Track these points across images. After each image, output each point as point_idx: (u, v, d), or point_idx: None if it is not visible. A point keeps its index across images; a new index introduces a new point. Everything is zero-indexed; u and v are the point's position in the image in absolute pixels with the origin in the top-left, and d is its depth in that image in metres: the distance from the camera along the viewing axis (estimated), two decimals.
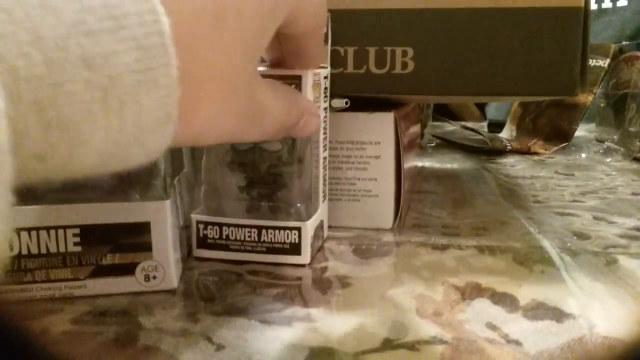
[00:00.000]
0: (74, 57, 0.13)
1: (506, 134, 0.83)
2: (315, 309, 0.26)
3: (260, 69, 0.29)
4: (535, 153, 0.73)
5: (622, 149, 0.70)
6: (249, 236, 0.32)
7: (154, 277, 0.27)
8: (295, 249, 0.31)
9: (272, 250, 0.32)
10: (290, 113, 0.26)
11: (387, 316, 0.25)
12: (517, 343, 0.22)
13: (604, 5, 1.15)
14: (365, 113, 0.37)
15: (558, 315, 0.25)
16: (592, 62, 0.76)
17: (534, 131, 0.78)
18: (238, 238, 0.32)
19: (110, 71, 0.14)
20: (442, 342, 0.22)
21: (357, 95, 0.36)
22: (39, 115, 0.13)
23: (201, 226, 0.32)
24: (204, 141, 0.22)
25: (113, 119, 0.15)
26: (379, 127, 0.37)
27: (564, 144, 0.75)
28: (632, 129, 0.70)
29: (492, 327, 0.24)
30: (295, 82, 0.30)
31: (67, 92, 0.14)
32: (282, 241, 0.31)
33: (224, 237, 0.32)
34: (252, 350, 0.22)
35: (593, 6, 1.17)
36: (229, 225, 0.32)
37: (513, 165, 0.65)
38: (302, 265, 0.31)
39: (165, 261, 0.27)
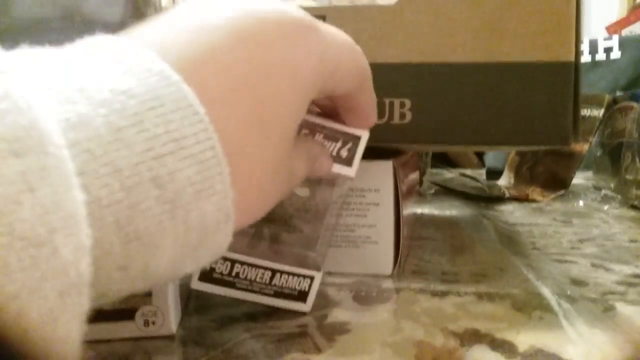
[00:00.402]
0: (146, 179, 0.16)
1: (504, 181, 0.84)
2: (315, 356, 0.26)
3: (315, 120, 0.29)
4: (534, 200, 0.74)
5: (619, 196, 0.71)
6: (261, 278, 0.31)
7: (153, 323, 0.28)
8: (302, 296, 0.31)
9: (279, 294, 0.31)
10: (310, 163, 0.27)
11: None
12: None
13: (597, 57, 1.18)
14: (364, 161, 0.38)
15: None
16: (587, 112, 0.78)
17: (531, 179, 0.79)
18: (248, 277, 0.31)
19: (176, 186, 0.16)
20: None
21: None
22: (119, 233, 0.15)
23: None
24: (259, 217, 0.23)
25: (180, 226, 0.17)
26: (379, 174, 0.38)
27: (561, 192, 0.76)
28: (628, 177, 0.71)
29: None
30: (353, 140, 0.30)
31: (142, 210, 0.16)
32: (293, 287, 0.31)
33: (233, 274, 0.31)
34: None
35: (587, 58, 1.20)
36: (242, 263, 0.31)
37: (512, 212, 0.66)
38: (303, 313, 0.31)
39: (165, 306, 0.28)
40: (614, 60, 1.15)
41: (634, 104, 0.74)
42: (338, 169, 0.30)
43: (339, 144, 0.30)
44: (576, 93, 0.34)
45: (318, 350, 0.26)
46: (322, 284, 0.35)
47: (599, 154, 0.83)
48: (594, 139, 0.80)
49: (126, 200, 0.15)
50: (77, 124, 0.15)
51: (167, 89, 0.17)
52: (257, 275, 0.31)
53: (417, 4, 0.36)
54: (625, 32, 1.26)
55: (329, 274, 0.37)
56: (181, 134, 0.17)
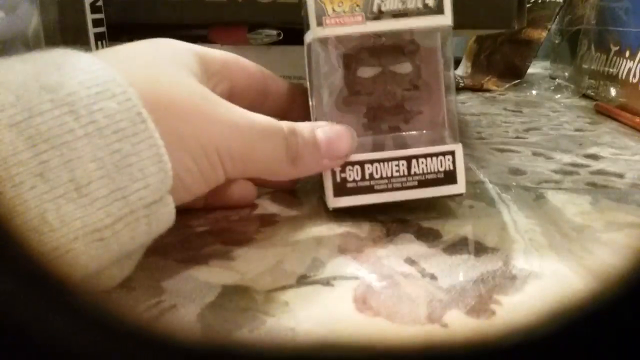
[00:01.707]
0: (35, 87, 0.17)
1: (461, 70, 0.83)
2: (236, 247, 0.25)
3: None
4: (488, 90, 0.73)
5: (572, 85, 0.70)
6: (397, 170, 0.28)
7: None
8: (450, 177, 0.28)
9: (424, 183, 0.28)
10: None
11: (308, 254, 0.25)
12: (432, 277, 0.22)
13: None
14: (301, 46, 0.36)
15: (478, 249, 0.25)
16: None
17: (488, 68, 0.78)
18: (384, 175, 0.28)
19: (68, 90, 0.18)
20: (358, 277, 0.22)
21: (291, 27, 0.35)
22: (20, 136, 0.16)
23: (337, 170, 0.28)
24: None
25: (89, 125, 0.18)
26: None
27: (516, 81, 0.75)
28: (584, 65, 0.70)
29: (410, 262, 0.24)
30: None
31: (38, 112, 0.17)
32: (436, 170, 0.28)
33: (367, 176, 0.28)
34: (162, 290, 0.21)
35: None
36: (372, 161, 0.27)
37: (464, 102, 0.65)
38: (459, 195, 0.29)
39: None
40: None
41: None
42: (430, 20, 0.27)
43: None
44: None
45: (240, 242, 0.26)
46: None
47: (557, 42, 0.81)
48: (553, 26, 0.78)
49: (19, 105, 0.16)
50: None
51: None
52: (392, 169, 0.28)
53: None
54: None
55: None
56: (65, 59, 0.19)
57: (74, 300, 0.12)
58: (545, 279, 0.22)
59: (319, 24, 0.27)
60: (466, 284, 0.22)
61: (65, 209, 0.16)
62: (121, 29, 0.35)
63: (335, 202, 0.28)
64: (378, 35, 0.28)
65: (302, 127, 0.26)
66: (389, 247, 0.25)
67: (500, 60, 0.77)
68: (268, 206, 0.31)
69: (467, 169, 0.37)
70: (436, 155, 0.28)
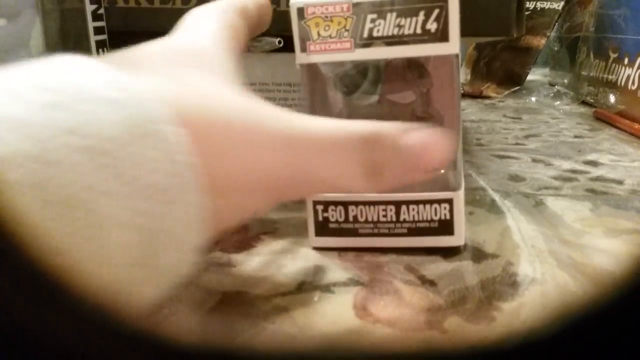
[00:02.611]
0: (59, 130, 0.13)
1: (461, 77, 0.83)
2: (236, 254, 0.25)
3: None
4: (487, 97, 0.73)
5: (571, 92, 0.70)
6: (384, 215, 0.25)
7: None
8: (446, 227, 0.25)
9: (415, 231, 0.25)
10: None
11: (309, 260, 0.25)
12: (432, 283, 0.22)
13: None
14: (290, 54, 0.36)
15: (477, 256, 0.25)
16: (546, 5, 0.76)
17: (487, 75, 0.78)
18: (370, 219, 0.25)
19: (96, 131, 0.13)
20: (357, 283, 0.22)
21: (291, 34, 0.35)
22: (33, 191, 0.12)
23: (319, 208, 0.26)
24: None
25: (113, 180, 0.13)
26: None
27: (516, 88, 0.75)
28: (583, 72, 0.70)
29: (410, 269, 0.24)
30: (439, 5, 0.23)
31: (56, 161, 0.13)
32: (429, 218, 0.25)
33: (350, 219, 0.25)
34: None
35: None
36: (357, 203, 0.25)
37: (464, 109, 0.65)
38: (456, 248, 0.25)
39: None
40: None
41: None
42: (431, 49, 0.23)
43: (420, 17, 0.23)
44: None
45: (240, 248, 0.26)
46: None
47: (556, 49, 0.82)
48: (552, 33, 0.78)
49: (37, 155, 0.12)
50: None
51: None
52: (379, 213, 0.25)
53: None
54: None
55: None
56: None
57: (74, 304, 0.12)
58: (545, 285, 0.22)
59: (303, 49, 0.24)
60: (466, 290, 0.22)
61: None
62: (123, 37, 0.35)
63: (316, 241, 0.26)
64: None
65: (387, 131, 0.19)
66: (389, 254, 0.25)
67: (500, 67, 0.77)
68: (268, 213, 0.31)
69: (467, 176, 0.37)
70: (430, 202, 0.25)
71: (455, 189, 0.25)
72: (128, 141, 0.13)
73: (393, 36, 0.23)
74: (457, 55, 0.24)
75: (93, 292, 0.13)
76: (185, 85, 0.17)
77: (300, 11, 0.24)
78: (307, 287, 0.22)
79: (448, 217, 0.25)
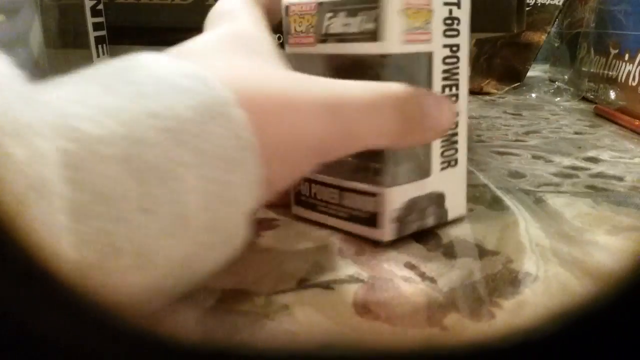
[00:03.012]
0: (141, 114, 0.16)
1: None
2: None
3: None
4: (487, 93, 0.73)
5: (571, 88, 0.70)
6: (332, 198, 0.27)
7: None
8: (372, 220, 0.26)
9: (351, 217, 0.26)
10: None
11: (309, 257, 0.25)
12: (432, 280, 0.22)
13: None
14: None
15: (478, 252, 0.25)
16: (546, 1, 0.75)
17: (487, 71, 0.78)
18: (323, 198, 0.27)
19: (173, 113, 0.16)
20: (358, 280, 0.22)
21: None
22: (128, 167, 0.15)
23: (298, 181, 0.28)
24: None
25: (189, 153, 0.16)
26: None
27: (516, 84, 0.75)
28: (583, 68, 0.70)
29: (410, 265, 0.24)
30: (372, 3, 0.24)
31: (143, 141, 0.15)
32: (360, 208, 0.26)
33: (312, 194, 0.28)
34: None
35: None
36: (316, 182, 0.27)
37: None
38: (378, 243, 0.26)
39: None
40: None
41: None
42: (368, 47, 0.24)
43: (360, 17, 0.24)
44: None
45: None
46: None
47: (556, 45, 0.82)
48: (552, 29, 0.78)
49: (127, 135, 0.15)
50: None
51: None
52: (329, 195, 0.27)
53: None
54: None
55: None
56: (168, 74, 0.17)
57: (74, 301, 0.12)
58: (545, 281, 0.22)
59: (286, 41, 0.27)
60: (466, 287, 0.22)
61: (166, 243, 0.15)
62: (121, 33, 0.35)
63: (295, 209, 0.29)
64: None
65: (414, 93, 0.22)
66: (389, 251, 0.25)
67: (500, 63, 0.77)
68: (268, 210, 0.31)
69: (467, 172, 0.37)
70: (362, 193, 0.26)
71: (387, 185, 0.25)
72: (200, 121, 0.16)
73: (342, 34, 0.25)
74: (395, 56, 0.24)
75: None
76: (240, 69, 0.20)
77: (286, 8, 0.27)
78: (307, 284, 0.22)
79: (374, 210, 0.25)
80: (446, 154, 0.27)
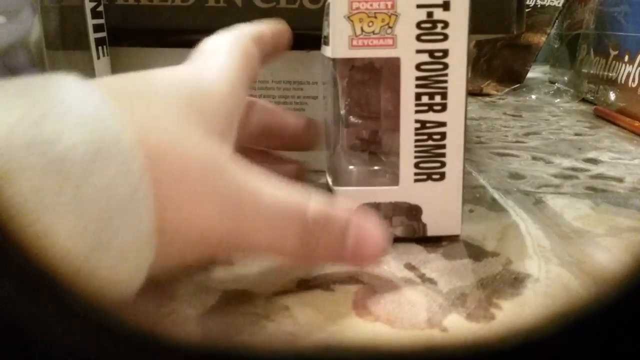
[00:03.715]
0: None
1: None
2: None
3: None
4: (487, 94, 0.73)
5: (571, 90, 0.70)
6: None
7: None
8: None
9: None
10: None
11: None
12: (432, 282, 0.22)
13: None
14: (302, 51, 0.36)
15: (477, 254, 0.25)
16: (546, 2, 0.76)
17: (487, 72, 0.78)
18: None
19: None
20: (358, 282, 0.22)
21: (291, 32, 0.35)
22: None
23: None
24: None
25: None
26: (317, 66, 0.36)
27: (516, 86, 0.75)
28: (583, 70, 0.70)
29: (410, 267, 0.24)
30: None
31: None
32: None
33: None
34: (162, 295, 0.21)
35: None
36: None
37: None
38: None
39: None
40: None
41: None
42: (324, 51, 0.26)
43: (325, 23, 0.26)
44: None
45: None
46: None
47: (556, 46, 0.82)
48: (552, 31, 0.78)
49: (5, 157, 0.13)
50: None
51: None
52: None
53: None
54: None
55: None
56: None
57: (73, 302, 0.12)
58: (545, 283, 0.22)
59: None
60: (466, 288, 0.22)
61: None
62: (122, 34, 0.35)
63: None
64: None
65: (335, 218, 0.20)
66: (390, 252, 0.25)
67: (500, 64, 0.77)
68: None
69: (467, 173, 0.37)
70: (329, 189, 0.28)
71: (338, 184, 0.27)
72: (90, 159, 0.14)
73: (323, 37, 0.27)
74: (339, 60, 0.26)
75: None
76: (159, 124, 0.18)
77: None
78: (308, 285, 0.22)
79: None
80: (423, 165, 0.25)
